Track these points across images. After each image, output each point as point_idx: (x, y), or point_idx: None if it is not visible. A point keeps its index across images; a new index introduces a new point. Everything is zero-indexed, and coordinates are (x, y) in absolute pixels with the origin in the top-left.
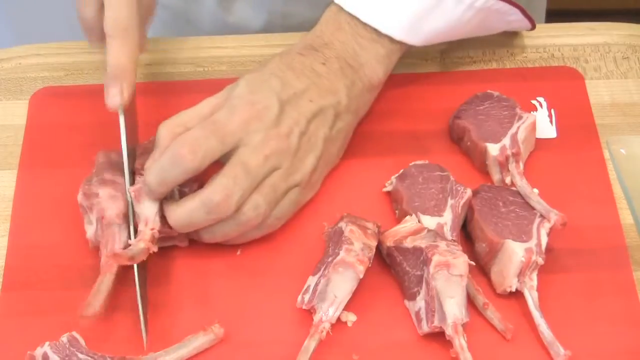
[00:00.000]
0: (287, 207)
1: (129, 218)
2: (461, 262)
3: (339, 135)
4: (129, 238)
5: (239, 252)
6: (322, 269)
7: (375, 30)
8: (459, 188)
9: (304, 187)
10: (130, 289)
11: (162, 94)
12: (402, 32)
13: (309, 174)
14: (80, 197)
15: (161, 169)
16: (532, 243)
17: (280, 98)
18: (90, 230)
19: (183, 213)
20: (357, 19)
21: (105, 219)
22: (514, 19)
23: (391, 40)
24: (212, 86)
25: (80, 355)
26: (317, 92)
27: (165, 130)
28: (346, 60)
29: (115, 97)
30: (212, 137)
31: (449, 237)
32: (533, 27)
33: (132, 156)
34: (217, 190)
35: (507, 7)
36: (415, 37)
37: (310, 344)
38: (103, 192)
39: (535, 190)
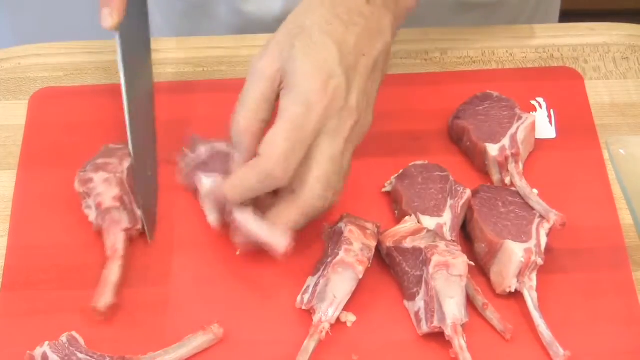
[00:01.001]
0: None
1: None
2: (460, 262)
3: (385, 73)
4: (129, 221)
5: (238, 252)
6: (322, 269)
7: None
8: (458, 188)
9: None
10: (130, 290)
11: (162, 93)
12: None
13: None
14: (76, 185)
15: (249, 187)
16: (531, 243)
17: (344, 68)
18: (91, 215)
19: (235, 180)
20: None
21: (103, 206)
22: None
23: None
24: (212, 86)
25: (80, 355)
26: (368, 40)
27: (243, 126)
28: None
29: (107, 19)
30: (299, 146)
31: (449, 238)
32: None
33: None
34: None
35: None
36: None
37: (310, 344)
38: (97, 176)
39: (535, 191)
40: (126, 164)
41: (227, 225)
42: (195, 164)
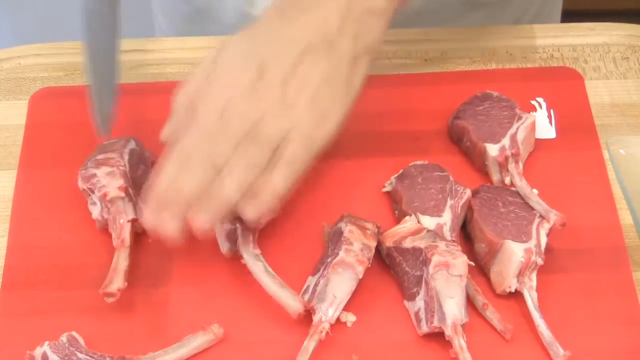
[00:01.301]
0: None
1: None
2: (460, 262)
3: (342, 64)
4: (134, 213)
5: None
6: (322, 269)
7: None
8: (458, 188)
9: (311, 122)
10: (130, 289)
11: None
12: None
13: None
14: (80, 182)
15: (209, 219)
16: (531, 243)
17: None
18: (95, 211)
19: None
20: None
21: (108, 196)
22: None
23: None
24: None
25: (80, 355)
26: (302, 25)
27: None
28: None
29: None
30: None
31: (449, 238)
32: None
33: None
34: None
35: None
36: None
37: (310, 345)
38: (99, 171)
39: (535, 191)
40: (127, 157)
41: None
42: None
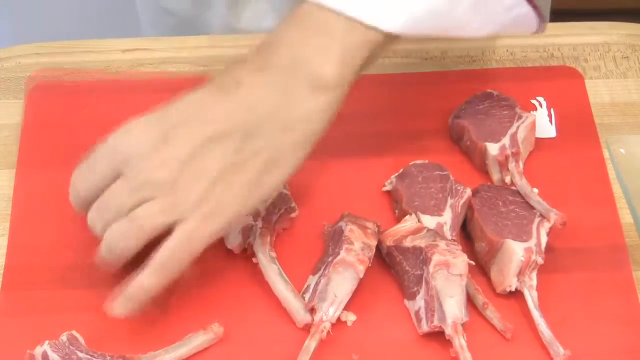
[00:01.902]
0: (178, 246)
1: None
2: (461, 261)
3: (254, 160)
4: None
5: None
6: (322, 268)
7: (337, 17)
8: (458, 187)
9: (196, 219)
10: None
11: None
12: (374, 15)
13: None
14: None
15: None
16: (531, 242)
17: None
18: None
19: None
20: (321, 6)
21: None
22: (518, 12)
23: (352, 29)
24: None
25: (80, 354)
26: (226, 109)
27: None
28: (287, 63)
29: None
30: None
31: (449, 237)
32: (541, 29)
33: None
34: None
35: None
36: (390, 22)
37: (311, 344)
38: None
39: (535, 190)
40: None
41: (245, 251)
42: None
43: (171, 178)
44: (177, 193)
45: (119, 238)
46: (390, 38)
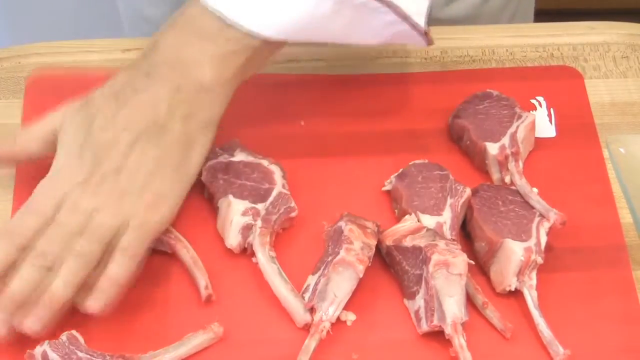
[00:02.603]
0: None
1: None
2: (460, 261)
3: (174, 147)
4: None
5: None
6: (322, 268)
7: (218, 22)
8: (458, 187)
9: (136, 222)
10: (130, 289)
11: None
12: (252, 22)
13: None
14: None
15: (38, 321)
16: (531, 242)
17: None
18: None
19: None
20: (204, 10)
21: None
22: (399, 28)
23: (232, 34)
24: None
25: (80, 354)
26: (133, 108)
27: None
28: (172, 63)
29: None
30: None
31: (448, 236)
32: (429, 43)
33: None
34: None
35: (378, 5)
36: (268, 29)
37: (311, 344)
38: None
39: (535, 190)
40: None
41: (244, 250)
42: (216, 163)
43: (112, 188)
44: (120, 196)
45: (80, 256)
46: (272, 43)
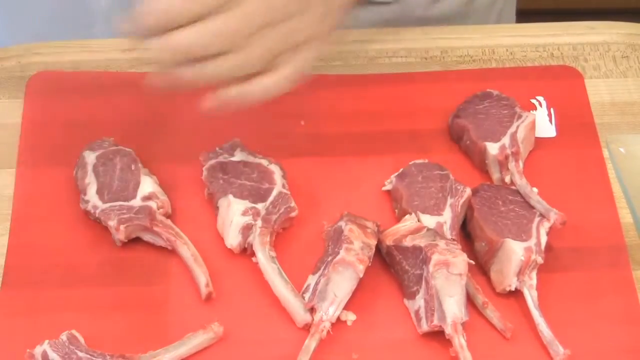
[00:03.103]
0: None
1: None
2: (460, 261)
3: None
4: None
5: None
6: (322, 268)
7: None
8: (458, 187)
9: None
10: (130, 288)
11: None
12: None
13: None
14: (75, 171)
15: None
16: (531, 242)
17: None
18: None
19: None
20: None
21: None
22: None
23: None
24: None
25: (80, 354)
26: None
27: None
28: None
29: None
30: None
31: (449, 236)
32: None
33: None
34: None
35: None
36: None
37: (311, 344)
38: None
39: (535, 189)
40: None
41: (244, 250)
42: (216, 163)
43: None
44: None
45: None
46: None
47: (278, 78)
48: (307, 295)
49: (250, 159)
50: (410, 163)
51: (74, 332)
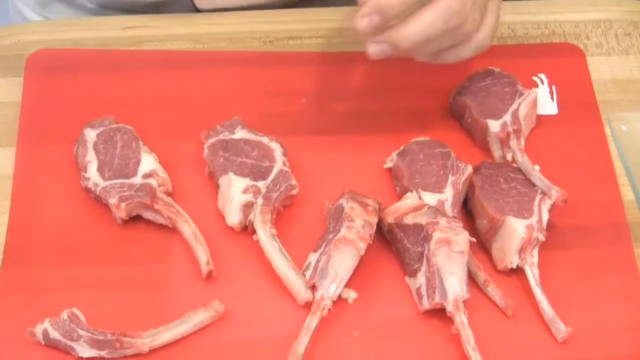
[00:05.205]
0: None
1: None
2: (462, 238)
3: None
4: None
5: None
6: (323, 245)
7: None
8: (459, 165)
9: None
10: (131, 266)
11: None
12: None
13: None
14: (76, 149)
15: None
16: (533, 220)
17: None
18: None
19: (422, 25)
20: None
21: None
22: None
23: None
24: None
25: (81, 332)
26: None
27: None
28: None
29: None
30: None
31: (450, 214)
32: None
33: None
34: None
35: None
36: None
37: (312, 321)
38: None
39: (537, 167)
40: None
41: (245, 228)
42: (217, 141)
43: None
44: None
45: None
46: None
47: (488, 33)
48: (308, 273)
49: (251, 136)
50: (412, 141)
51: (74, 310)
